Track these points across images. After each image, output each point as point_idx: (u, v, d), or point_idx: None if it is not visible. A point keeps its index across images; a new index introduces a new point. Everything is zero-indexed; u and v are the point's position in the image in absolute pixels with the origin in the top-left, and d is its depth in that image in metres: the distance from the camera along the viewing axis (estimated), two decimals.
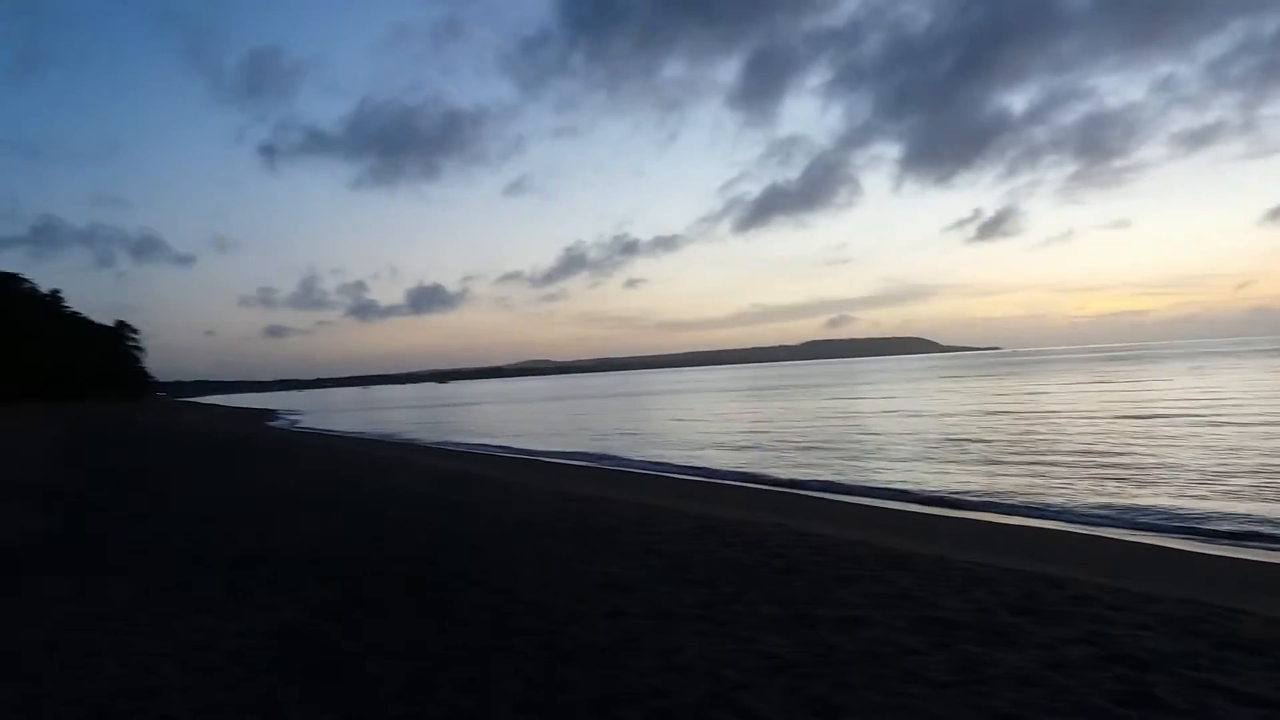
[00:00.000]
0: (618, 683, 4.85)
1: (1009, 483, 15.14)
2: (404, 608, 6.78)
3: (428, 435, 38.44)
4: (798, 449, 22.63)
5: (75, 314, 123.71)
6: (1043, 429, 25.27)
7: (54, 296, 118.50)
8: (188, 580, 8.20)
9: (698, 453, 23.23)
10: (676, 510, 11.27)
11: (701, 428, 33.17)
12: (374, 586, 7.57)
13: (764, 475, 17.71)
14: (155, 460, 25.02)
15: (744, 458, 21.26)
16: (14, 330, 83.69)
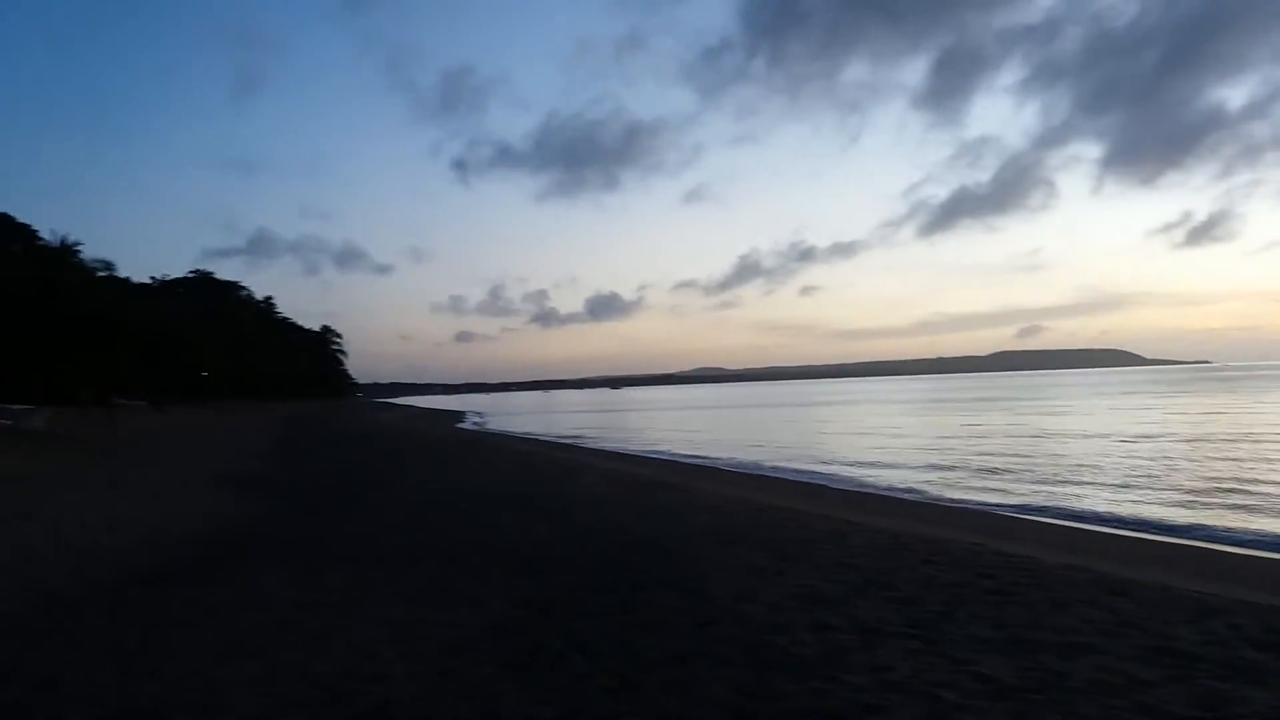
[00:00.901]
0: (829, 696, 4.77)
1: (1227, 508, 13.95)
2: (604, 608, 6.92)
3: (606, 439, 39.21)
4: (985, 468, 21.62)
5: (286, 319, 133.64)
6: (1272, 449, 23.12)
7: (267, 303, 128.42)
8: (399, 572, 8.66)
9: (877, 466, 22.62)
10: (866, 524, 11.01)
11: (881, 441, 32.26)
12: (573, 585, 7.77)
13: (950, 493, 17.05)
14: (359, 457, 26.66)
15: (927, 475, 20.50)
16: (235, 334, 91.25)
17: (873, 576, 7.68)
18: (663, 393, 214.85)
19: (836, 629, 6.04)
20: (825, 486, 18.56)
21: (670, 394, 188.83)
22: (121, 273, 74.43)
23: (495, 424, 62.72)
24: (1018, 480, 18.89)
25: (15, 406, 31.03)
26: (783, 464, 24.13)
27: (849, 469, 22.26)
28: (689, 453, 29.41)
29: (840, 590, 7.17)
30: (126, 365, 61.56)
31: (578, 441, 38.29)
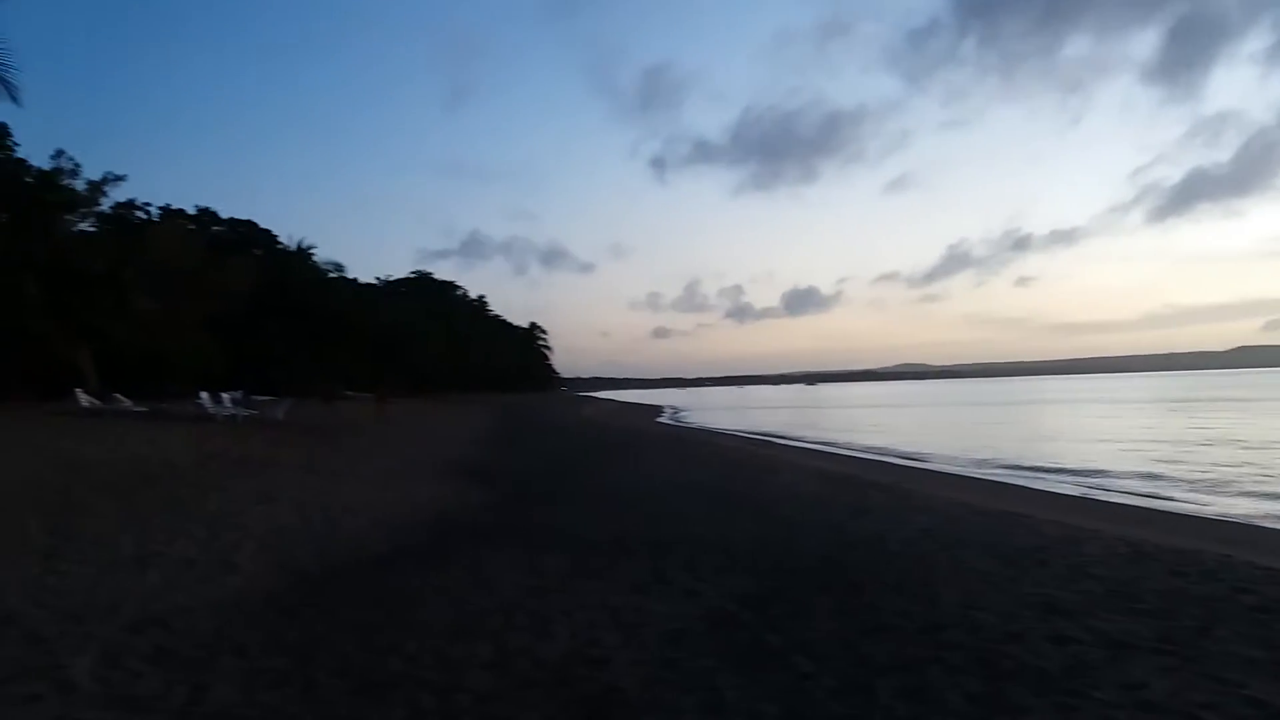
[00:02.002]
0: (1078, 713, 4.47)
1: None
2: (822, 606, 6.78)
3: (805, 436, 38.62)
4: (1223, 476, 19.66)
5: (496, 316, 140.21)
6: None
7: (480, 301, 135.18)
8: (614, 560, 8.83)
9: (1105, 470, 21.06)
10: (1101, 531, 10.25)
11: (1109, 444, 30.07)
12: (788, 582, 7.67)
13: (1186, 499, 15.66)
14: (567, 448, 27.53)
15: (1160, 480, 18.88)
16: (452, 330, 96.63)
17: (1115, 587, 7.13)
18: (862, 389, 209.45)
19: (1078, 641, 5.65)
20: (1050, 491, 17.46)
21: (870, 391, 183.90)
22: (349, 274, 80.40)
23: (693, 419, 63.15)
24: (1261, 488, 17.11)
25: (259, 398, 34.05)
26: (1001, 466, 22.92)
27: (1074, 472, 20.85)
28: (896, 452, 28.50)
29: (1079, 600, 6.70)
30: (356, 360, 66.56)
31: (777, 438, 37.94)
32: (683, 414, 73.68)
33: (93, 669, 5.28)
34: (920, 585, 7.34)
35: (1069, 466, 22.13)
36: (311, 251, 69.74)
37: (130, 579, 7.67)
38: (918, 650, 5.58)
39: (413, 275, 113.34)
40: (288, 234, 70.32)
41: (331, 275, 72.99)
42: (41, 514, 10.20)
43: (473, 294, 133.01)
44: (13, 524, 9.52)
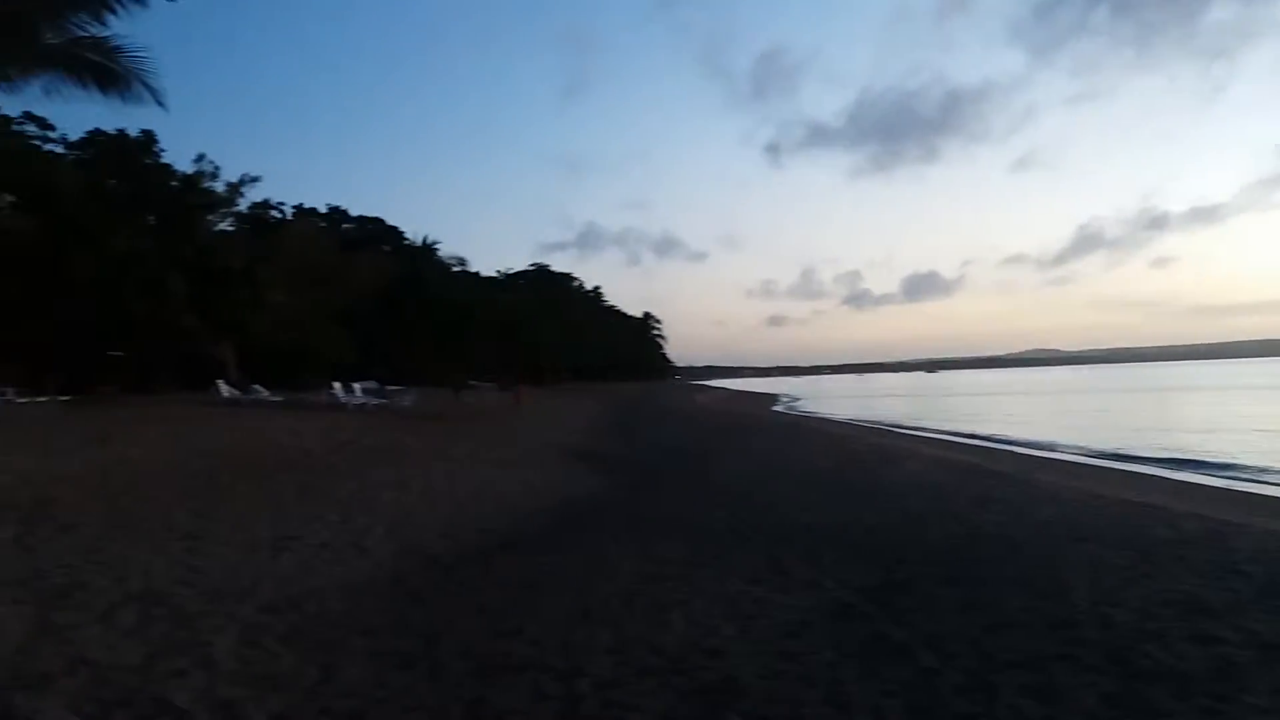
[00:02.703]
0: (1224, 718, 4.21)
1: None
2: (946, 599, 6.60)
3: (926, 425, 37.63)
4: None
5: (611, 306, 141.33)
6: None
7: (595, 292, 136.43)
8: (730, 550, 8.80)
9: (1248, 461, 19.76)
10: (1251, 526, 9.63)
11: (1258, 432, 28.27)
12: (910, 574, 7.49)
13: None
14: (682, 436, 27.59)
15: None
16: (568, 321, 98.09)
17: (1267, 585, 6.69)
18: (986, 376, 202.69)
19: (1225, 641, 5.33)
20: (1190, 482, 16.53)
21: (995, 378, 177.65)
22: (472, 268, 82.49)
23: (809, 407, 62.39)
24: None
25: (390, 387, 35.27)
26: (1135, 456, 21.82)
27: (1215, 464, 19.66)
28: (1022, 440, 27.47)
29: (1226, 598, 6.31)
30: (480, 350, 68.30)
31: (896, 426, 37.11)
32: (798, 402, 72.92)
33: (233, 647, 5.58)
34: (1049, 579, 7.07)
35: (1209, 457, 20.88)
36: (436, 247, 71.73)
37: (267, 561, 8.07)
38: (1047, 646, 5.38)
39: (531, 268, 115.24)
40: (413, 230, 72.62)
41: (455, 269, 75.05)
42: (187, 499, 10.83)
43: (588, 285, 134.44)
44: (161, 509, 10.13)
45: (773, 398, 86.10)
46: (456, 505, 11.71)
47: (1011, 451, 23.76)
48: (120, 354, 37.34)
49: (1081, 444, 25.42)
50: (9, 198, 28.75)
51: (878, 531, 9.60)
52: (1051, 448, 24.82)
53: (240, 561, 8.00)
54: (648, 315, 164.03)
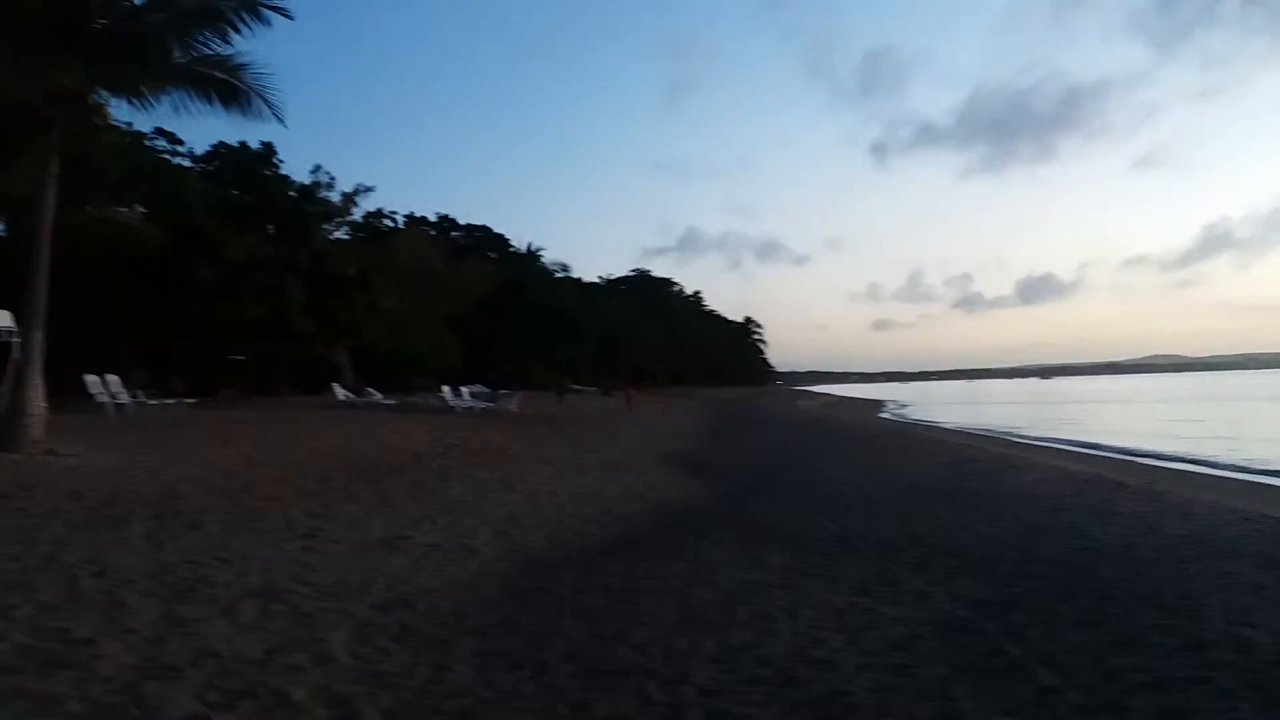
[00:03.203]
0: None
1: None
2: (1066, 616, 6.33)
3: (1042, 433, 36.26)
4: None
5: (712, 311, 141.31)
6: None
7: (695, 297, 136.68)
8: (837, 559, 8.64)
9: None
10: None
11: None
12: (1028, 588, 7.22)
13: None
14: (784, 442, 27.30)
15: None
16: (670, 326, 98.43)
17: None
18: (1105, 383, 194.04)
19: None
20: None
21: (1114, 384, 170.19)
22: (574, 273, 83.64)
23: (917, 414, 60.95)
24: None
25: (495, 391, 35.99)
26: (1273, 469, 20.54)
27: None
28: (1146, 450, 26.20)
29: None
30: (581, 355, 69.22)
31: (1010, 434, 35.89)
32: (906, 409, 71.32)
33: (347, 644, 5.72)
34: (1179, 597, 6.70)
35: None
36: (540, 253, 73.09)
37: (379, 560, 8.27)
38: (1177, 669, 5.09)
39: (632, 273, 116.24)
40: (519, 237, 74.03)
41: (558, 275, 76.26)
42: (304, 498, 11.22)
43: (689, 290, 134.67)
44: (280, 508, 10.52)
45: (878, 404, 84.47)
46: (559, 508, 11.82)
47: (1134, 462, 22.68)
48: (241, 358, 39.18)
49: (1212, 455, 24.09)
50: (140, 209, 30.47)
51: (992, 543, 9.29)
52: (1178, 458, 23.62)
53: (353, 560, 8.23)
54: (749, 320, 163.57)
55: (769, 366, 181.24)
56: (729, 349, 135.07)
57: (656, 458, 19.87)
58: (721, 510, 12.27)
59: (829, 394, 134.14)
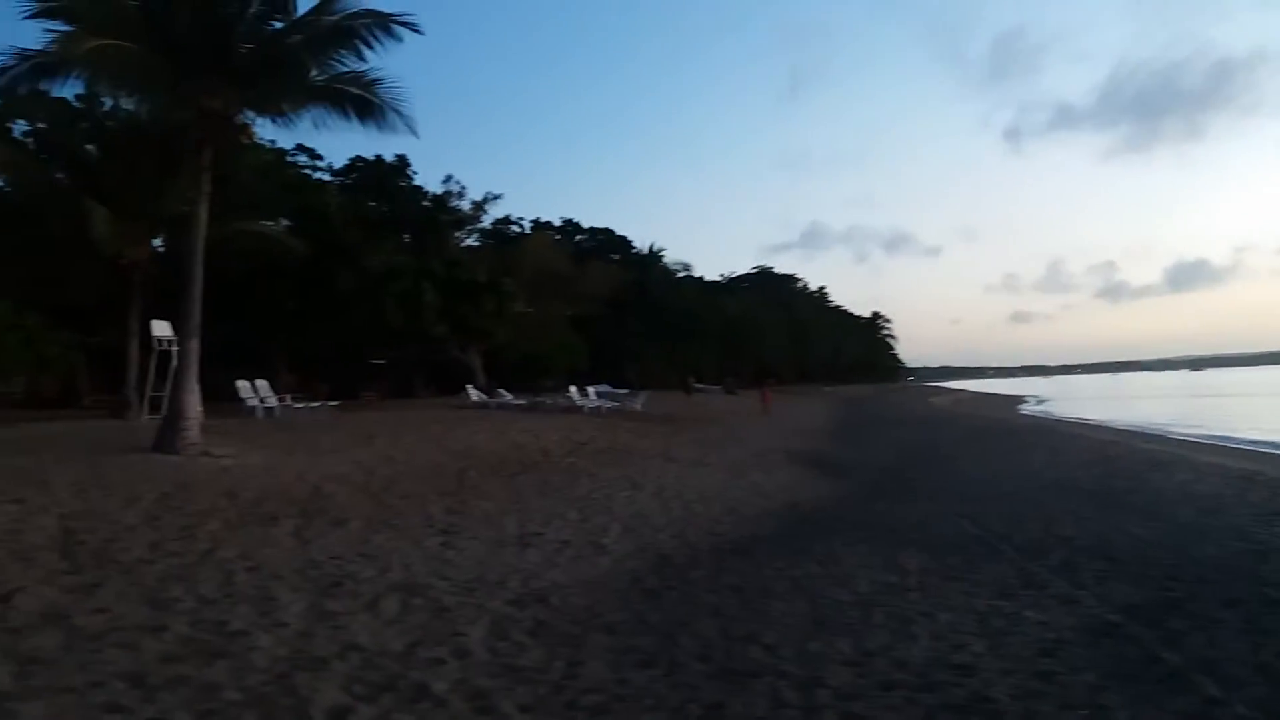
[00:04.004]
0: None
1: None
2: (1228, 622, 5.96)
3: (1195, 429, 34.10)
4: None
5: (837, 306, 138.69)
6: None
7: (820, 292, 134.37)
8: (976, 561, 8.34)
9: None
10: None
11: None
12: (1184, 592, 6.82)
13: None
14: (916, 440, 26.57)
15: None
16: (793, 322, 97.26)
17: None
18: (1263, 374, 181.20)
19: None
20: None
21: (1274, 376, 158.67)
22: (696, 273, 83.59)
23: (1059, 409, 58.31)
24: None
25: (620, 390, 36.30)
26: None
27: None
28: None
29: None
30: (705, 353, 69.19)
31: (1160, 430, 33.91)
32: (1047, 404, 68.39)
33: (484, 638, 5.86)
34: None
35: None
36: (662, 254, 73.37)
37: (514, 556, 8.45)
38: None
39: (754, 270, 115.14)
40: (640, 239, 74.50)
41: (680, 275, 76.39)
42: (442, 496, 11.56)
43: (813, 285, 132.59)
44: (419, 506, 10.87)
45: (1018, 399, 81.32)
46: (687, 506, 11.82)
47: None
48: (381, 362, 40.79)
49: None
50: (285, 222, 32.15)
51: (1144, 545, 8.80)
52: None
53: (489, 556, 8.43)
54: (876, 315, 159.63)
55: (899, 362, 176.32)
56: (857, 345, 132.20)
57: (784, 456, 19.65)
58: (853, 510, 12.03)
59: (964, 390, 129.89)
